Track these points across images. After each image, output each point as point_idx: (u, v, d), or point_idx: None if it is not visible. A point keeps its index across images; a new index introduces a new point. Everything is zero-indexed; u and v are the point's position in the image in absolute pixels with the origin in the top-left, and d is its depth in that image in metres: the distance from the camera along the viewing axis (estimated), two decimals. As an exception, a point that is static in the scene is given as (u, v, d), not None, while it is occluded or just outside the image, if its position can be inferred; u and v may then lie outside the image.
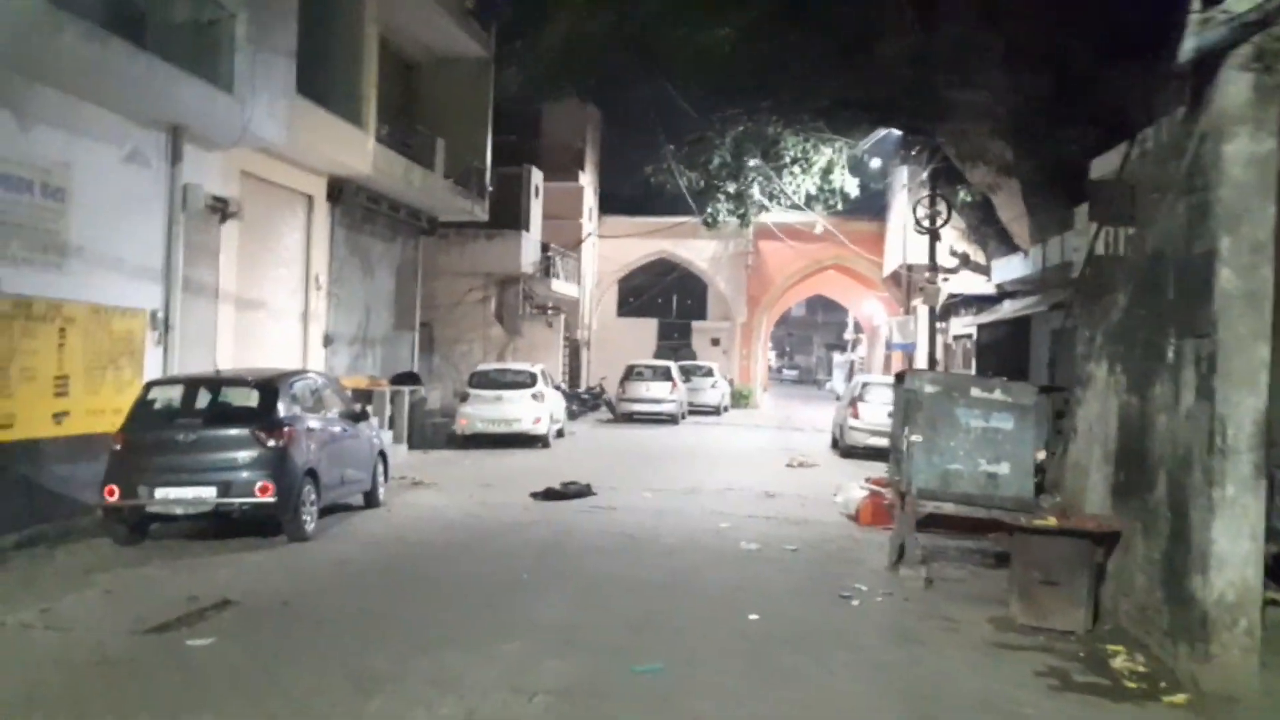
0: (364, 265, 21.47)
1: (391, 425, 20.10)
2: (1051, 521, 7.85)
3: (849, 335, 62.47)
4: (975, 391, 8.98)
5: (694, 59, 16.63)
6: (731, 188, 20.48)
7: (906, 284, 34.85)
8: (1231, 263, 6.22)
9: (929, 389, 9.02)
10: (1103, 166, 14.42)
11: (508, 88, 25.91)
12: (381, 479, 13.02)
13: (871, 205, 34.46)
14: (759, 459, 20.43)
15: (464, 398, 20.90)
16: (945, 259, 22.70)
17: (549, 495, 13.74)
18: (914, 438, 8.96)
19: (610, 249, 38.18)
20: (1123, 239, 8.56)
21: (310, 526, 10.53)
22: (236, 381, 11.05)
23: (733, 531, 11.71)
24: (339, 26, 18.27)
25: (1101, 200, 14.40)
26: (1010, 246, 21.40)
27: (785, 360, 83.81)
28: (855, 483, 15.23)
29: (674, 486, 15.46)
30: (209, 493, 9.87)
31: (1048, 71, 17.73)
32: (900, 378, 9.83)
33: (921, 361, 31.29)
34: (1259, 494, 6.15)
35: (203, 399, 10.79)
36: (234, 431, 10.19)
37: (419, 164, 21.07)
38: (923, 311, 31.41)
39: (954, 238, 24.15)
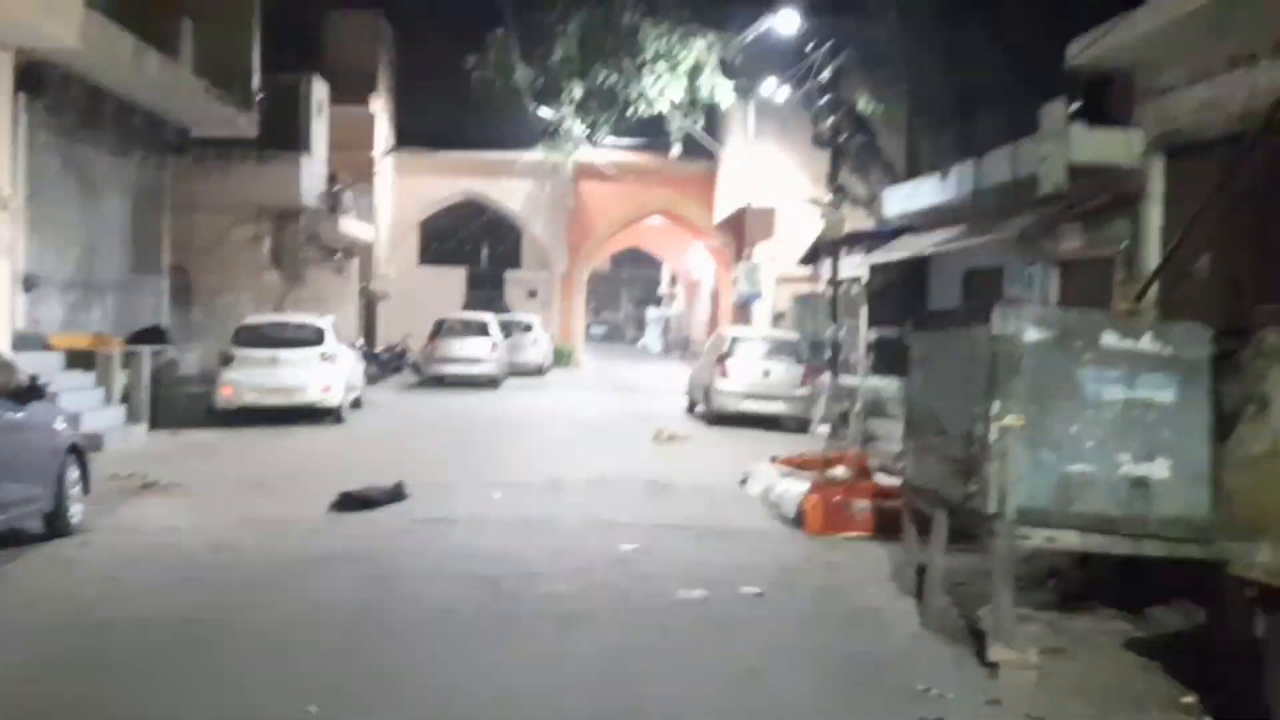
0: (84, 185, 15.98)
1: (126, 399, 14.95)
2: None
3: (664, 289, 59.35)
4: (1109, 339, 5.25)
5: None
6: (578, 90, 16.22)
7: (743, 229, 31.66)
8: None
9: (1034, 335, 5.22)
10: (1083, 52, 11.19)
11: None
12: (76, 489, 8.22)
13: (698, 147, 30.87)
14: (615, 431, 16.46)
15: (227, 360, 15.84)
16: (817, 192, 19.33)
17: (351, 503, 9.26)
18: (1008, 420, 5.16)
19: (410, 187, 33.06)
20: None
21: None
22: None
23: (646, 559, 7.66)
24: None
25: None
26: (893, 178, 18.21)
27: (592, 317, 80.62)
28: (765, 465, 11.57)
29: (527, 478, 11.23)
30: None
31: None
32: (969, 316, 5.95)
33: (765, 313, 28.20)
34: None
35: None
36: None
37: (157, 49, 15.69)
38: (763, 258, 28.26)
39: (823, 164, 20.79)
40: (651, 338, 58.19)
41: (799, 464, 11.64)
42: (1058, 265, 12.90)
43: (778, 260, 26.37)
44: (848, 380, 16.73)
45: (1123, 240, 11.14)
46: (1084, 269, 12.43)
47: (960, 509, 5.61)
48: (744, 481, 11.19)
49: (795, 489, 9.64)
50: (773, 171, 26.69)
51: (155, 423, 15.24)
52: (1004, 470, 5.17)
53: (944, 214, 15.08)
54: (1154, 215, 10.75)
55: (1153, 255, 10.79)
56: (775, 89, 22.26)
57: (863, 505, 9.13)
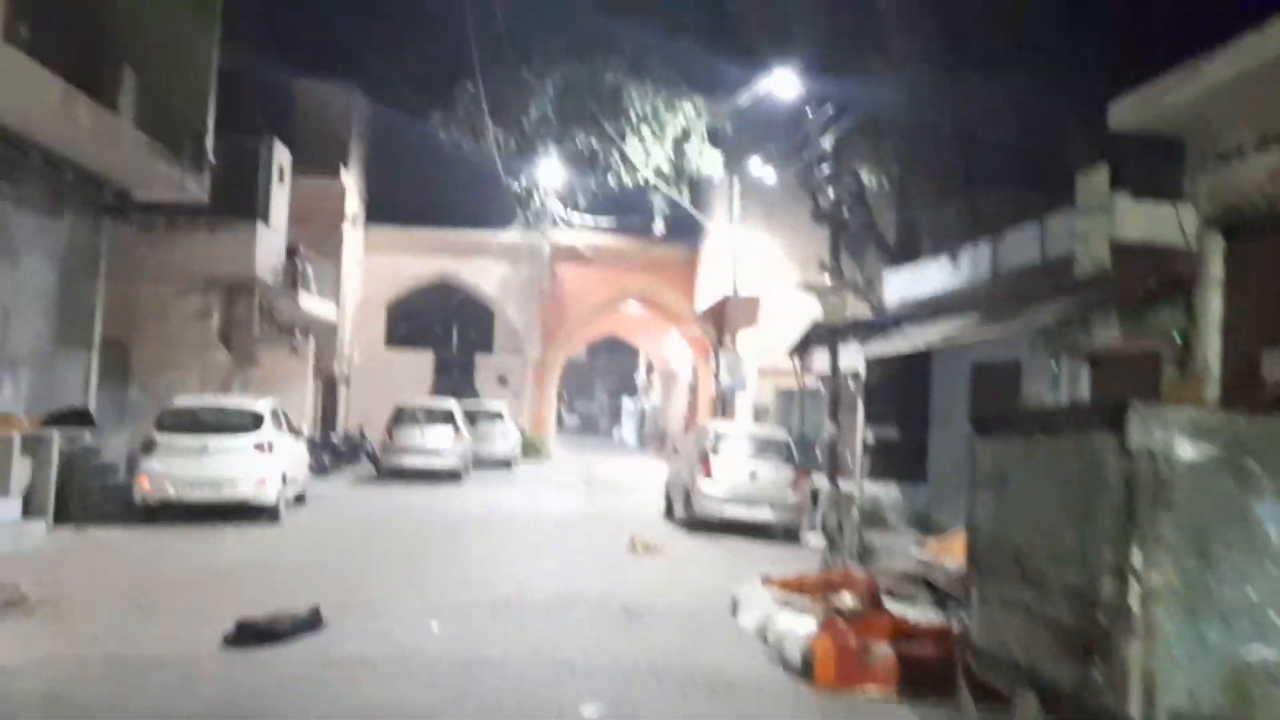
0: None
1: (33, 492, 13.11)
2: None
3: (640, 379, 57.76)
4: (1299, 461, 3.65)
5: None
6: (555, 154, 14.76)
7: (725, 318, 30.23)
8: None
9: (1190, 450, 3.62)
10: (1131, 112, 9.85)
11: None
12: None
13: (681, 227, 29.59)
14: (584, 537, 14.68)
15: (149, 446, 14.00)
16: (809, 276, 17.95)
17: (252, 635, 7.43)
18: (1154, 579, 3.53)
19: (379, 266, 31.57)
20: None
21: None
22: None
23: (614, 729, 5.90)
24: None
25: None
26: (892, 260, 16.87)
27: (565, 406, 78.77)
28: (757, 587, 9.86)
29: (478, 597, 9.44)
30: None
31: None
32: (1077, 418, 4.31)
33: (746, 408, 26.68)
34: None
35: None
36: None
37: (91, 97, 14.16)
38: (746, 349, 26.80)
39: (811, 250, 19.51)
40: (627, 430, 56.46)
41: (796, 586, 9.96)
42: (1087, 361, 11.44)
43: (761, 352, 24.94)
44: (845, 486, 15.08)
45: (1173, 331, 9.69)
46: (1121, 365, 10.96)
47: (1070, 699, 3.92)
48: (734, 609, 9.44)
49: (799, 628, 7.92)
50: (757, 257, 25.43)
51: (67, 516, 13.37)
52: (1150, 653, 3.52)
53: (953, 301, 13.66)
54: (1213, 303, 9.32)
55: (1213, 348, 9.35)
56: (764, 168, 21.05)
57: (883, 651, 7.42)
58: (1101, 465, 3.81)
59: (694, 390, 38.09)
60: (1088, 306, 10.49)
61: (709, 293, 30.32)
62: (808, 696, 6.92)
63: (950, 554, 12.48)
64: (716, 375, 29.74)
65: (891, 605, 9.39)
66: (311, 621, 7.81)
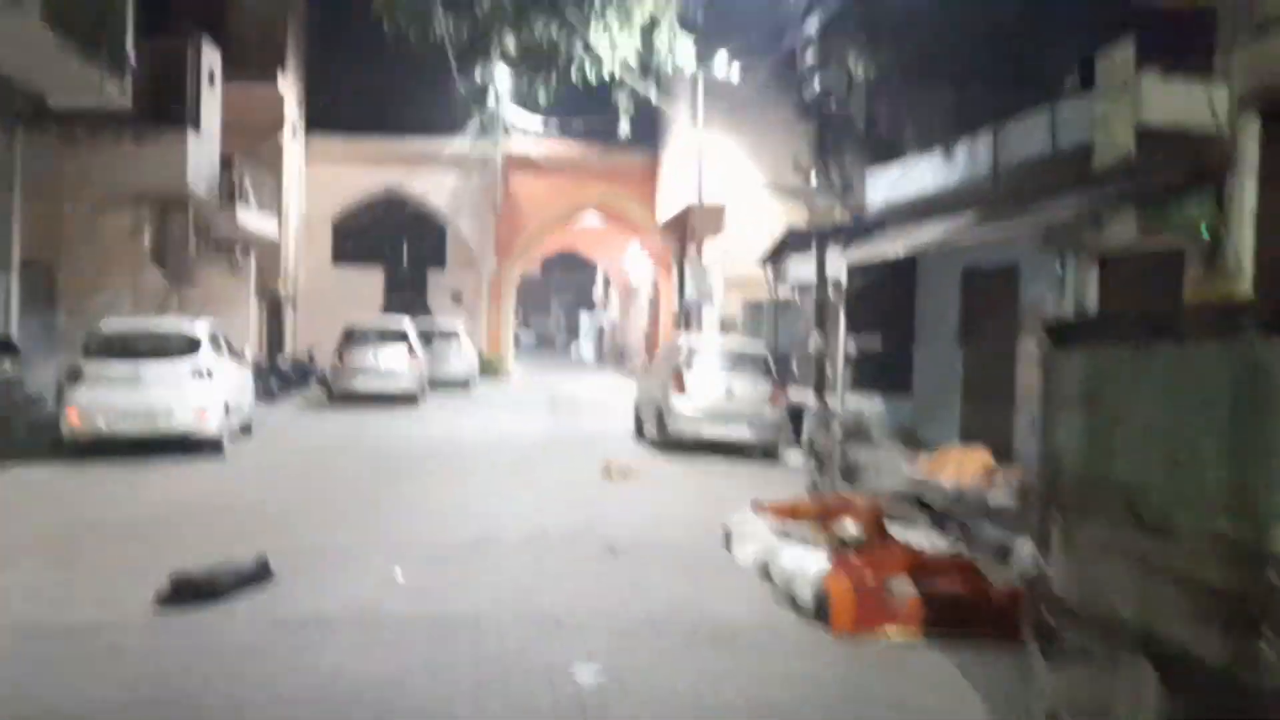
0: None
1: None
2: None
3: (598, 294, 56.57)
4: None
5: None
6: (511, 41, 13.34)
7: (688, 228, 29.14)
8: None
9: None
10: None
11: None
12: None
13: (642, 133, 28.21)
14: (554, 462, 13.79)
15: (75, 376, 12.81)
16: (783, 178, 16.96)
17: (189, 591, 6.48)
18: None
19: (323, 178, 29.96)
20: None
21: None
22: None
23: (615, 699, 5.04)
24: None
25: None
26: (875, 159, 15.86)
27: (520, 323, 77.43)
28: (751, 516, 9.06)
29: (444, 538, 8.54)
30: None
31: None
32: (1191, 321, 3.39)
33: (712, 321, 25.80)
34: None
35: None
36: None
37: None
38: (713, 259, 25.82)
39: (779, 153, 18.58)
40: (585, 346, 55.47)
41: (791, 513, 9.18)
42: (1097, 261, 10.62)
43: (728, 262, 24.04)
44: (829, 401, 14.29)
45: (1200, 225, 8.84)
46: (1135, 265, 10.15)
47: (1215, 672, 3.10)
48: (728, 541, 8.64)
49: (809, 566, 7.09)
50: (722, 161, 24.30)
51: (-11, 455, 12.26)
52: None
53: (947, 200, 12.70)
54: (1247, 193, 8.48)
55: (1245, 244, 8.55)
56: (730, 64, 19.93)
57: (905, 589, 6.68)
58: (1266, 380, 2.94)
59: (654, 304, 37.14)
60: (1105, 200, 9.60)
61: (671, 201, 29.18)
62: (826, 642, 6.14)
63: (945, 471, 11.86)
64: (681, 288, 28.77)
65: (892, 530, 8.69)
66: (258, 574, 6.87)
